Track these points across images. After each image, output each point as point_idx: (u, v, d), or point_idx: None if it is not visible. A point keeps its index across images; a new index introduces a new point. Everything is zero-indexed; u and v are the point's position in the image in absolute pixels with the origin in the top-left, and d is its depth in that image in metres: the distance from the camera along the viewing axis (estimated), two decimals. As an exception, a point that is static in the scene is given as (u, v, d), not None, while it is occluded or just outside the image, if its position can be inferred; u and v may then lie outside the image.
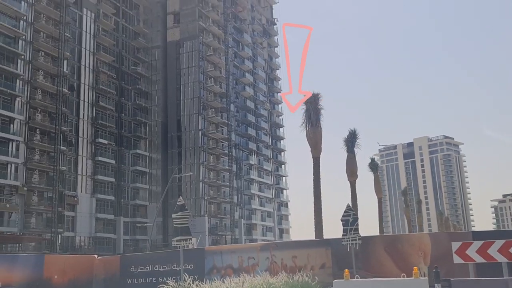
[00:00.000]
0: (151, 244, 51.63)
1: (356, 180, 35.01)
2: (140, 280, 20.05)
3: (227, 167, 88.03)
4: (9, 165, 60.35)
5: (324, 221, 26.29)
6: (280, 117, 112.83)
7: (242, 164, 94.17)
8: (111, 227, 75.06)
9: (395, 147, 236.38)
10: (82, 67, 74.82)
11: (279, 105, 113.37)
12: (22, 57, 63.99)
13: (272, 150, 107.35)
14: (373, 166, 51.33)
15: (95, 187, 73.24)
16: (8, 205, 58.58)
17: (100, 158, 74.06)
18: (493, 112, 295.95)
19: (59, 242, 64.28)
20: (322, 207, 25.41)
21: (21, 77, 63.43)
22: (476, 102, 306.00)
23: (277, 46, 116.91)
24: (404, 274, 13.96)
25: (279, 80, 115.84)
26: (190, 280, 15.84)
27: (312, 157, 26.30)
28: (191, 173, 71.57)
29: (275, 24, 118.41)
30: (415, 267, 13.71)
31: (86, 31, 76.45)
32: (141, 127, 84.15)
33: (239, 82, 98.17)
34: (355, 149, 35.84)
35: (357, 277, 14.94)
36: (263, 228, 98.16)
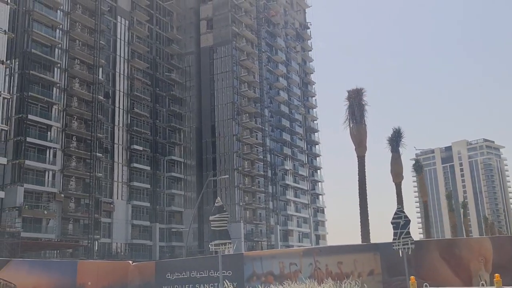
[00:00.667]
0: (187, 250, 50.88)
1: (402, 182, 33.38)
2: (176, 287, 19.15)
3: (262, 173, 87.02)
4: (46, 172, 60.87)
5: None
6: (315, 122, 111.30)
7: (277, 170, 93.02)
8: (147, 233, 74.92)
9: (432, 151, 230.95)
10: (117, 74, 75.25)
11: (314, 110, 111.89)
12: (59, 65, 64.64)
13: (307, 155, 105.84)
14: (418, 167, 49.11)
15: (130, 194, 73.30)
16: (46, 212, 58.97)
17: (135, 165, 74.15)
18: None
19: (96, 248, 64.41)
20: (368, 209, 24.00)
21: (58, 85, 64.05)
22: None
23: (310, 50, 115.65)
24: (483, 282, 12.54)
25: (313, 84, 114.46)
26: (230, 286, 14.84)
27: (357, 156, 24.92)
28: (227, 176, 70.83)
29: (309, 28, 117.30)
30: (496, 274, 12.30)
31: (120, 39, 76.95)
32: (176, 133, 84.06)
33: (273, 86, 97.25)
34: (399, 148, 34.17)
35: (426, 286, 13.52)
36: (299, 234, 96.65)
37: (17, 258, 32.90)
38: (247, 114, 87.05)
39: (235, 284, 16.55)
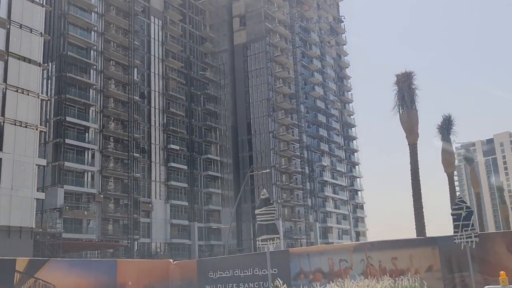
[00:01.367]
0: (227, 249, 50.29)
1: (453, 172, 31.68)
2: (219, 286, 18.25)
3: (299, 169, 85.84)
4: (85, 174, 61.35)
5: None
6: (352, 117, 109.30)
7: (314, 166, 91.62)
8: (186, 232, 74.79)
9: (473, 144, 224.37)
10: (152, 74, 75.36)
11: (350, 104, 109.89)
12: (94, 67, 65.09)
13: (345, 150, 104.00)
14: (468, 158, 47.00)
15: (168, 193, 73.28)
16: (86, 213, 59.43)
17: (172, 164, 74.09)
18: None
19: (136, 248, 64.58)
20: (422, 201, 22.56)
21: (94, 86, 64.50)
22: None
23: (345, 44, 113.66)
24: None
25: (349, 79, 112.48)
26: (284, 286, 13.88)
27: (408, 144, 23.47)
28: (268, 170, 69.97)
29: (342, 21, 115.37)
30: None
31: (154, 39, 77.05)
32: (211, 131, 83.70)
33: (308, 82, 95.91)
34: (451, 137, 32.48)
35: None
36: (339, 231, 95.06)
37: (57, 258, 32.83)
38: (282, 111, 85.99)
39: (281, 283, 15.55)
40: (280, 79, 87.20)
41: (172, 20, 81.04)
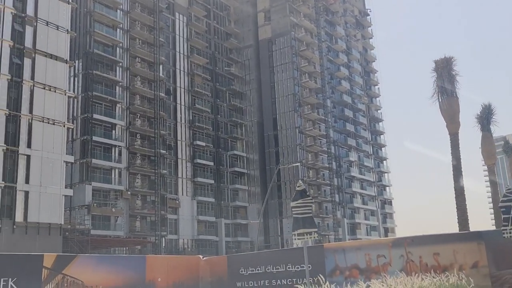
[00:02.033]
0: (256, 245, 49.77)
1: (494, 164, 30.38)
2: (251, 283, 17.64)
3: (327, 165, 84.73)
4: (113, 170, 61.51)
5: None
6: (379, 111, 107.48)
7: (341, 161, 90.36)
8: (213, 229, 74.53)
9: (504, 138, 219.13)
10: (177, 71, 75.19)
11: (377, 98, 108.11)
12: (120, 64, 65.17)
13: (372, 145, 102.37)
14: (508, 148, 45.34)
15: (195, 190, 73.08)
16: (113, 209, 59.59)
17: (199, 161, 73.85)
18: None
19: (163, 245, 64.56)
20: (465, 194, 21.51)
21: (120, 83, 64.59)
22: None
23: (371, 38, 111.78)
24: None
25: (376, 73, 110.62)
26: (327, 284, 13.18)
27: (449, 134, 22.39)
28: (298, 164, 69.11)
29: (368, 15, 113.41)
30: None
31: (179, 35, 76.86)
32: (237, 127, 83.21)
33: (334, 76, 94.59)
34: (491, 127, 31.14)
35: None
36: (367, 227, 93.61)
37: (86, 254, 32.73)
38: (308, 106, 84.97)
39: (316, 280, 14.83)
40: (306, 74, 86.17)
41: (197, 16, 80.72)
